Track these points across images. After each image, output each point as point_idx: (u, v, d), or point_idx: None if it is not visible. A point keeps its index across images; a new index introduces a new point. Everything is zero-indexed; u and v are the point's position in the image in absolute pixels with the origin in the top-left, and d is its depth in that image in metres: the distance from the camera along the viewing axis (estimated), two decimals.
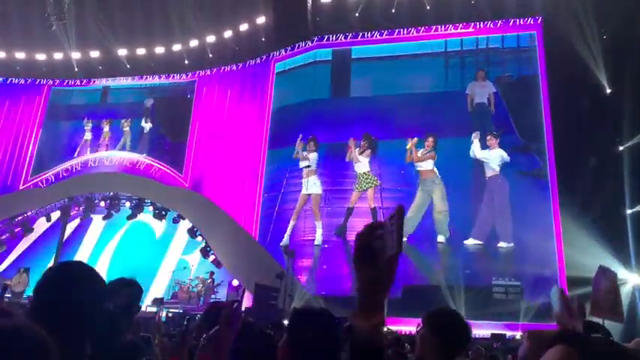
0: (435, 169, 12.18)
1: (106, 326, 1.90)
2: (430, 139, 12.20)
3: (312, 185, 13.11)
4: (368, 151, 12.82)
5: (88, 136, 17.64)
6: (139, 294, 2.67)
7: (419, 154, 12.31)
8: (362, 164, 12.75)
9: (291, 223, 13.28)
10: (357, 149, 12.83)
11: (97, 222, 16.92)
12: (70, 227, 16.72)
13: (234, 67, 16.28)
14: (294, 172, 13.71)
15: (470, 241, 11.42)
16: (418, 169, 12.33)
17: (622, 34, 10.89)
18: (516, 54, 12.92)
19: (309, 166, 13.23)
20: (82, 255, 16.34)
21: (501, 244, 11.25)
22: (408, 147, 12.41)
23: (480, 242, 11.37)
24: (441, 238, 11.75)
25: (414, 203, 12.01)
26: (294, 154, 13.60)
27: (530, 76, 12.46)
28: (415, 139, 12.35)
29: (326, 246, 12.71)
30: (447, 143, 12.21)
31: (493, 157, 11.79)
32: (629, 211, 10.56)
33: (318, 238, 12.88)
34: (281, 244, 13.17)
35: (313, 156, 13.36)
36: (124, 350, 2.46)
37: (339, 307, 9.84)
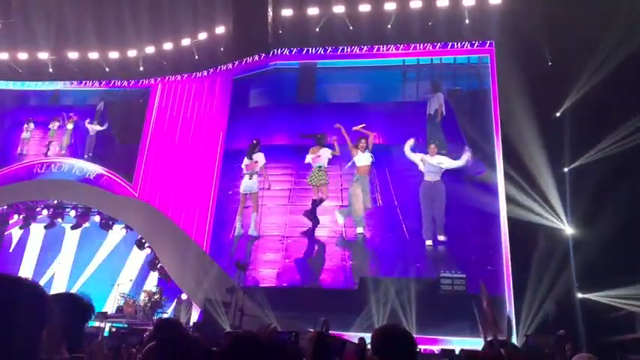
0: (371, 167, 12.73)
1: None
2: (362, 141, 12.63)
3: (253, 184, 13.45)
4: (319, 150, 13.12)
5: (26, 135, 16.90)
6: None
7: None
8: (321, 160, 13.12)
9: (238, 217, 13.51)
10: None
11: (39, 231, 16.11)
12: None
13: (192, 76, 16.02)
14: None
15: (429, 242, 12.15)
16: (358, 164, 12.69)
17: (567, 61, 11.52)
18: (467, 70, 13.75)
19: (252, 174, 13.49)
20: (24, 266, 15.52)
21: (441, 237, 12.05)
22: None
23: (430, 242, 12.13)
24: (360, 230, 12.52)
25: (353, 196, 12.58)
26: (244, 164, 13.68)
27: (479, 89, 13.41)
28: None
29: (289, 240, 13.10)
30: (400, 149, 12.67)
31: (428, 163, 12.33)
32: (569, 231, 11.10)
33: (253, 228, 13.26)
34: (249, 232, 13.32)
35: (260, 156, 13.55)
36: None
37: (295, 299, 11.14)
